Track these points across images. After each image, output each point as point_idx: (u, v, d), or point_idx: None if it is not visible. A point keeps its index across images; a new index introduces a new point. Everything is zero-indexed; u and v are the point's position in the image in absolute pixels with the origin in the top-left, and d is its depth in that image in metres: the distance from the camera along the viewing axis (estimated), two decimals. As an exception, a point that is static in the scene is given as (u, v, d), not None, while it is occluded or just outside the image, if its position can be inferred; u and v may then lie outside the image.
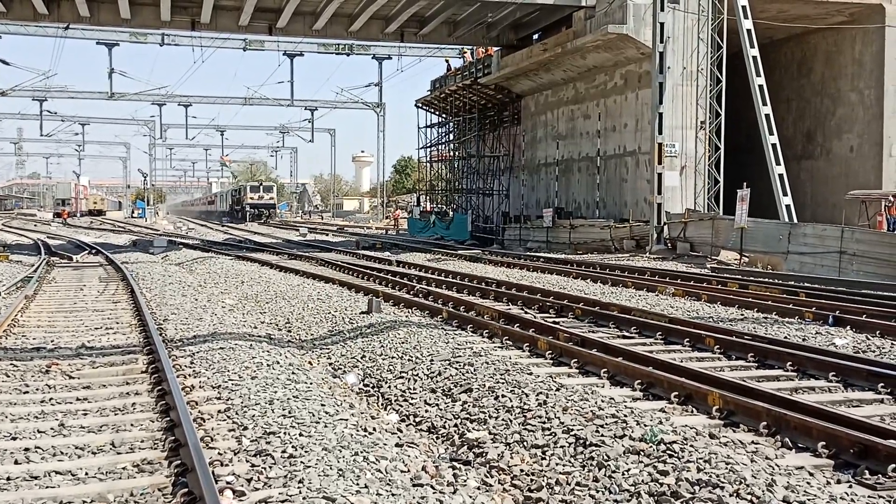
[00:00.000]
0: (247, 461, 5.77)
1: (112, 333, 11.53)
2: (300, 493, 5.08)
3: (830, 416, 6.53)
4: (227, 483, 5.26)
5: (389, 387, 8.87)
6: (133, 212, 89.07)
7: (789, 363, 9.08)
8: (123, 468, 5.73)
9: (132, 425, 6.75)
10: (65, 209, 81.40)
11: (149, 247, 33.34)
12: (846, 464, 5.90)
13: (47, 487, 5.36)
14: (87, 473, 5.62)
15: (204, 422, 6.77)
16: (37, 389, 8.08)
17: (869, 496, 5.26)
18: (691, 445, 5.98)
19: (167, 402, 7.13)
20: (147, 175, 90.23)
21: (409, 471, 5.81)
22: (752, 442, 6.39)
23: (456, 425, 7.30)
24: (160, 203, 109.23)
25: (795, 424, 6.45)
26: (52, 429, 6.65)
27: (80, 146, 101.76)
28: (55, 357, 9.58)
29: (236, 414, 6.97)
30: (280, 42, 51.60)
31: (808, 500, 5.04)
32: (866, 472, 5.69)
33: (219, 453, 5.92)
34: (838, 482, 5.59)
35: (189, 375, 8.52)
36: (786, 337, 11.07)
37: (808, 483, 5.33)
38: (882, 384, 8.09)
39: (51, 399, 7.69)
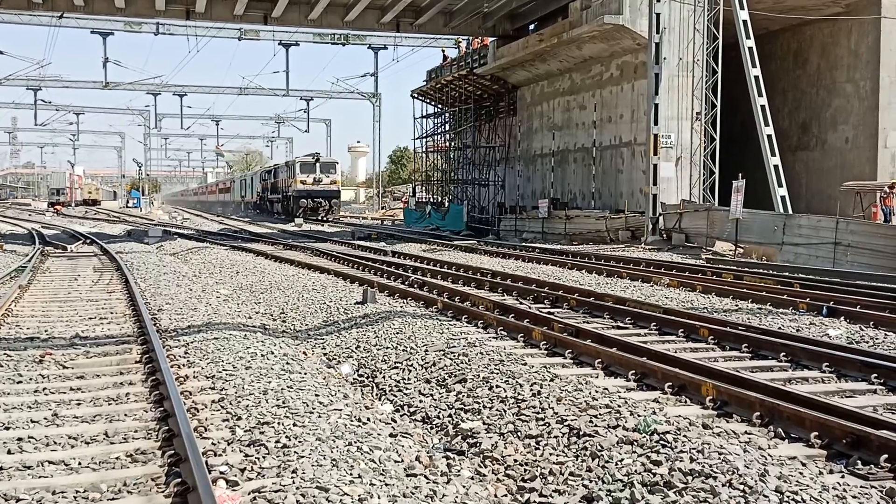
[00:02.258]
0: (240, 451, 5.76)
1: (106, 323, 11.51)
2: (293, 483, 5.08)
3: (823, 407, 6.54)
4: (221, 473, 5.25)
5: (384, 377, 8.87)
6: (128, 202, 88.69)
7: (783, 354, 9.09)
8: (117, 458, 5.72)
9: (126, 415, 6.74)
10: (59, 199, 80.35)
11: (143, 237, 33.28)
12: (839, 454, 5.92)
13: (40, 477, 5.35)
14: (80, 463, 5.61)
15: (198, 412, 6.77)
16: (30, 379, 8.06)
17: (861, 486, 5.27)
18: (684, 436, 5.99)
19: (161, 392, 7.12)
20: (142, 165, 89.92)
21: (402, 461, 5.81)
22: (745, 432, 6.41)
23: (450, 415, 7.31)
24: (155, 193, 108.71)
25: (788, 415, 6.47)
26: (45, 418, 6.64)
27: (75, 136, 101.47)
28: (49, 347, 9.56)
29: (230, 404, 6.97)
30: (275, 32, 51.54)
31: (801, 490, 5.04)
32: (859, 462, 5.71)
33: (212, 443, 5.91)
34: (831, 472, 5.60)
35: (183, 365, 8.51)
36: (780, 327, 11.08)
37: (800, 473, 5.34)
38: (875, 374, 8.10)
39: (44, 389, 7.67)
